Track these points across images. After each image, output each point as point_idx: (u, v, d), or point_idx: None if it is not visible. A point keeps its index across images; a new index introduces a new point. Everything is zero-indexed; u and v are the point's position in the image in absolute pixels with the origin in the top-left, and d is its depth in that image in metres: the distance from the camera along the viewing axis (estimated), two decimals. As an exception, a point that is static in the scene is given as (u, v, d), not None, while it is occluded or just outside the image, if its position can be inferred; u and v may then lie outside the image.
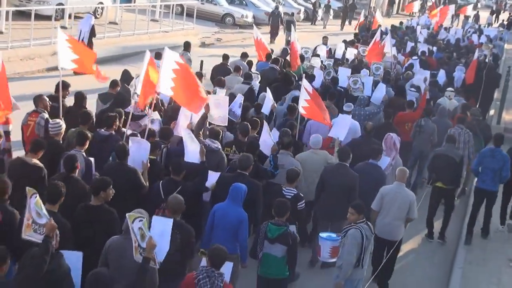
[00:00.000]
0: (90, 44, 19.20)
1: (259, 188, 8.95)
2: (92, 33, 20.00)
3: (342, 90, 15.31)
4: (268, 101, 12.31)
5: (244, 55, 17.52)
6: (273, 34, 31.06)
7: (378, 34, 19.57)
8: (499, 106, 20.19)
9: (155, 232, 6.45)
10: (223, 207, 8.17)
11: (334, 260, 8.16)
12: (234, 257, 7.81)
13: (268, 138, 10.27)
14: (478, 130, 13.73)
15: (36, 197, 6.36)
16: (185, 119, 10.52)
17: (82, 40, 18.98)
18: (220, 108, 10.72)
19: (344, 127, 11.48)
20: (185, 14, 29.15)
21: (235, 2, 36.49)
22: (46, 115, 10.09)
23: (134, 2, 28.96)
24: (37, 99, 10.28)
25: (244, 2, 36.68)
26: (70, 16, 23.40)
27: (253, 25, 19.44)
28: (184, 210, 7.37)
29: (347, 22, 41.54)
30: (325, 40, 22.68)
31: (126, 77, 12.90)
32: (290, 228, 8.00)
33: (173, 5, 28.66)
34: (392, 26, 31.38)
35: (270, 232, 7.85)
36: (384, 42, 19.44)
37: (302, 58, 18.11)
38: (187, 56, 15.92)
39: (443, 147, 12.04)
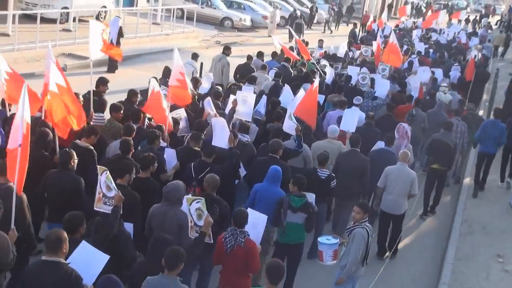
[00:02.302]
0: (118, 44, 19.83)
1: (288, 169, 9.74)
2: (120, 34, 20.59)
3: (352, 85, 16.47)
4: (288, 95, 13.37)
5: (260, 54, 18.55)
6: (292, 35, 31.23)
7: (392, 36, 20.42)
8: (488, 106, 20.94)
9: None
10: (263, 187, 8.93)
11: (335, 262, 8.26)
12: (270, 231, 8.83)
13: (290, 122, 11.10)
14: (473, 123, 14.74)
15: (106, 173, 7.19)
16: (212, 110, 11.48)
17: (111, 41, 19.13)
18: (246, 104, 11.59)
19: (353, 120, 12.36)
20: (185, 17, 29.33)
21: (233, 6, 36.86)
22: None
23: (136, 6, 29.03)
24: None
25: (242, 6, 37.02)
26: (74, 20, 23.51)
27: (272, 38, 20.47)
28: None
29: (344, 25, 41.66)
30: (320, 43, 23.54)
31: (167, 73, 13.21)
32: (308, 198, 8.73)
33: (174, 9, 28.94)
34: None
35: (294, 202, 8.58)
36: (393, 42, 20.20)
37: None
38: (194, 65, 16.49)
39: (440, 133, 13.07)
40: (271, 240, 9.07)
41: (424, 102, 15.82)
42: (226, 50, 17.75)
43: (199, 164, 9.04)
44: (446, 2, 69.26)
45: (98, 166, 7.45)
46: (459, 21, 45.78)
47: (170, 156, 9.33)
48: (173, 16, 28.57)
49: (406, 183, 10.45)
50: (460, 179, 15.44)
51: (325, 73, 17.04)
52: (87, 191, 8.00)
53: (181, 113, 11.32)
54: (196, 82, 13.99)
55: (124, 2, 28.48)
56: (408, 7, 50.26)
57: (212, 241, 7.39)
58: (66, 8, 24.27)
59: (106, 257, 6.23)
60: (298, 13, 35.78)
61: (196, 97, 12.86)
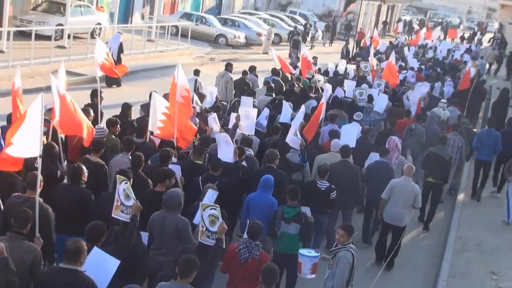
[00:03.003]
0: (118, 60, 20.41)
1: (285, 177, 10.22)
2: (120, 49, 20.92)
3: (349, 99, 17.01)
4: (287, 110, 13.76)
5: (253, 69, 18.84)
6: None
7: (392, 56, 21.17)
8: (481, 124, 21.35)
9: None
10: (256, 195, 9.33)
11: (313, 276, 8.15)
12: (267, 237, 9.04)
13: (295, 137, 11.44)
14: (466, 137, 15.20)
15: (126, 183, 7.47)
16: (216, 125, 11.86)
17: (112, 56, 19.41)
18: (249, 118, 11.89)
19: (353, 135, 12.72)
20: (180, 34, 29.39)
21: (228, 23, 37.01)
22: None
23: (131, 23, 29.12)
24: (84, 111, 10.54)
25: (236, 23, 37.18)
26: (69, 36, 23.53)
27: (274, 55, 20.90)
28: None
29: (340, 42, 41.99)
30: (315, 59, 23.63)
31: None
32: (303, 209, 9.01)
33: (168, 26, 29.01)
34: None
35: (287, 214, 8.91)
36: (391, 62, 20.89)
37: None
38: (198, 81, 16.67)
39: (435, 147, 13.44)
40: (269, 249, 9.15)
41: (423, 118, 16.20)
42: (229, 66, 18.04)
43: (207, 177, 9.34)
44: (440, 20, 69.82)
45: (117, 176, 7.75)
46: (452, 39, 46.18)
47: (176, 171, 9.43)
48: (167, 33, 28.65)
49: (410, 196, 10.83)
50: (454, 193, 15.64)
51: (322, 89, 17.28)
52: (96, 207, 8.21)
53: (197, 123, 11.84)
54: (201, 97, 14.33)
55: (119, 19, 28.60)
56: (401, 24, 50.77)
57: (224, 247, 7.62)
58: (60, 25, 24.39)
59: (117, 262, 6.38)
60: (297, 29, 36.33)
61: (204, 111, 13.28)
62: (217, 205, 7.66)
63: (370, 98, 16.66)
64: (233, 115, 12.27)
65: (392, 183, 10.93)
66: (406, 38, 42.01)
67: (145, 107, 12.43)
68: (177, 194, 7.95)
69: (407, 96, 18.06)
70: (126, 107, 12.01)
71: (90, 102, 12.14)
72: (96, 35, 26.54)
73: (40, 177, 7.30)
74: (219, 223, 7.49)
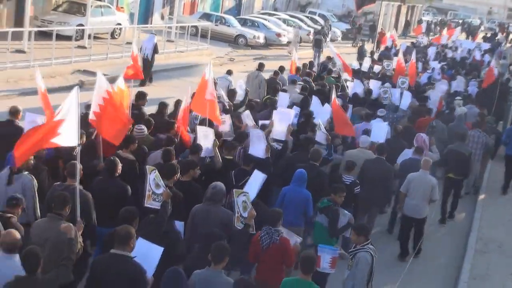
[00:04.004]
0: (152, 60, 21.35)
1: (326, 176, 10.67)
2: (155, 50, 21.47)
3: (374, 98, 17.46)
4: (317, 105, 14.31)
5: (282, 69, 19.32)
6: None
7: (414, 55, 22.10)
8: (502, 124, 21.36)
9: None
10: (291, 189, 9.64)
11: (333, 271, 8.24)
12: (301, 229, 9.50)
13: (321, 132, 11.92)
14: (489, 134, 15.71)
15: (155, 172, 7.97)
16: (250, 122, 12.29)
17: (147, 56, 20.90)
18: (282, 123, 11.94)
19: (382, 132, 13.12)
20: (199, 35, 29.40)
21: (247, 23, 36.95)
22: None
23: (151, 24, 29.13)
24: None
25: (256, 23, 37.09)
26: (89, 37, 23.58)
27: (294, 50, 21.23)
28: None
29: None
30: (328, 60, 23.96)
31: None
32: (343, 212, 9.42)
33: (188, 26, 29.02)
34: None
35: (321, 203, 9.40)
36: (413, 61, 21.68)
37: (330, 71, 20.48)
38: (229, 79, 17.23)
39: (454, 144, 13.76)
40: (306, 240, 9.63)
41: (444, 116, 16.66)
42: (261, 67, 18.58)
43: (239, 172, 9.69)
44: (461, 20, 69.26)
45: (147, 166, 8.21)
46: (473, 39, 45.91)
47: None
48: (187, 34, 28.68)
49: (427, 189, 11.17)
50: (477, 189, 15.79)
51: (346, 87, 17.86)
52: (129, 198, 8.53)
53: (227, 118, 12.18)
54: (233, 94, 14.78)
55: (139, 19, 28.58)
56: (423, 25, 50.50)
57: (254, 232, 8.07)
58: (81, 25, 24.51)
59: (161, 249, 6.76)
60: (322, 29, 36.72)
61: (232, 108, 13.69)
62: (247, 192, 8.21)
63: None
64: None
65: (410, 177, 11.29)
66: (428, 39, 41.63)
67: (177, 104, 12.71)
68: (220, 189, 8.31)
69: (429, 95, 18.31)
70: (162, 106, 12.29)
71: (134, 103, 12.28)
72: (116, 35, 26.62)
73: (79, 166, 7.58)
74: (249, 209, 8.05)
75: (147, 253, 6.72)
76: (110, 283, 6.44)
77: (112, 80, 11.70)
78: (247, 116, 12.45)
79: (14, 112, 10.34)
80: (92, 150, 9.32)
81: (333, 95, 13.68)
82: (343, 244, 10.23)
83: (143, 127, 10.76)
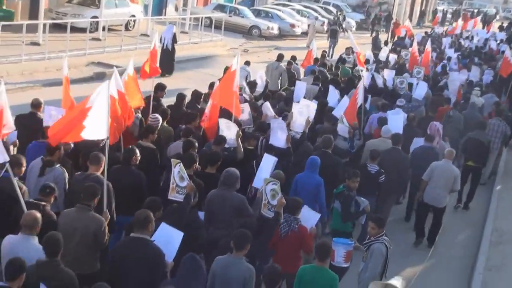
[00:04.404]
0: (173, 50, 21.68)
1: (340, 162, 10.88)
2: (174, 40, 21.79)
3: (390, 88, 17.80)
4: (334, 95, 14.71)
5: (294, 59, 19.53)
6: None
7: (428, 44, 22.49)
8: None
9: None
10: (304, 175, 9.86)
11: (347, 265, 8.18)
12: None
13: (343, 125, 12.18)
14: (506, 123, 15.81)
15: (180, 165, 8.14)
16: (270, 112, 12.53)
17: (166, 46, 21.22)
18: (302, 115, 12.02)
19: (400, 122, 13.26)
20: (213, 26, 29.33)
21: (261, 14, 36.81)
22: (140, 115, 11.10)
23: (165, 15, 29.09)
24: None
25: (270, 14, 36.95)
26: (103, 29, 23.62)
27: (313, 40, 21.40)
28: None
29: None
30: (347, 50, 23.79)
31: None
32: (361, 200, 9.55)
33: (202, 17, 28.99)
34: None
35: (336, 189, 9.67)
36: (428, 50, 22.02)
37: (344, 61, 20.87)
38: (247, 69, 17.41)
39: (474, 132, 13.96)
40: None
41: (461, 105, 16.79)
42: (280, 58, 18.76)
43: (260, 161, 9.76)
44: (477, 9, 68.58)
45: (172, 159, 8.38)
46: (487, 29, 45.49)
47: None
48: (201, 25, 28.62)
49: (450, 179, 11.39)
50: (494, 178, 15.90)
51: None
52: (150, 188, 8.73)
53: (245, 107, 12.35)
54: (253, 85, 14.98)
55: (153, 11, 28.60)
56: (439, 15, 50.18)
57: (283, 220, 8.26)
58: (95, 17, 24.56)
59: (181, 234, 6.98)
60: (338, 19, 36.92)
61: (253, 99, 13.92)
62: (277, 180, 8.35)
63: (411, 87, 17.32)
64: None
65: (433, 166, 11.47)
66: (443, 29, 41.29)
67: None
68: (233, 173, 8.48)
69: (446, 85, 18.53)
70: (181, 97, 12.46)
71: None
72: (130, 27, 26.62)
73: (106, 156, 7.82)
74: (279, 197, 8.23)
75: (168, 238, 6.93)
76: (130, 266, 6.64)
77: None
78: (266, 107, 12.69)
79: (36, 104, 10.53)
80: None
81: (361, 83, 13.89)
82: (362, 233, 10.36)
83: (158, 116, 10.84)
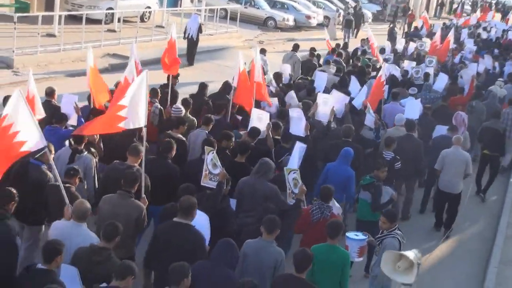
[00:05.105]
0: (197, 40, 22.27)
1: (361, 151, 11.12)
2: (200, 30, 22.35)
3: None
4: (356, 85, 15.01)
5: (314, 50, 19.69)
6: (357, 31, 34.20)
7: (452, 33, 23.10)
8: None
9: None
10: (335, 166, 10.08)
11: (360, 259, 8.22)
12: (341, 204, 9.68)
13: (369, 116, 12.47)
14: None
15: (213, 153, 8.46)
16: (294, 101, 12.91)
17: (191, 36, 21.81)
18: (327, 105, 12.33)
19: (416, 109, 13.51)
20: (228, 17, 29.35)
21: (277, 6, 36.66)
22: (158, 105, 11.34)
23: (180, 6, 29.02)
24: (152, 91, 11.46)
25: (285, 6, 36.83)
26: (119, 20, 23.63)
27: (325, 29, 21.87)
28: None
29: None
30: (363, 42, 24.10)
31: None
32: (385, 188, 9.80)
33: (217, 9, 28.97)
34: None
35: (363, 181, 9.89)
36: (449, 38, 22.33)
37: (364, 52, 21.18)
38: (263, 59, 17.62)
39: (489, 121, 14.30)
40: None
41: (483, 96, 16.85)
42: (296, 48, 19.18)
43: (279, 149, 10.25)
44: (496, 0, 67.84)
45: (205, 147, 8.67)
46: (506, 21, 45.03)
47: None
48: (216, 16, 28.61)
49: (461, 164, 11.57)
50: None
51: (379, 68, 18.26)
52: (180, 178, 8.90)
53: (274, 101, 12.78)
54: (279, 77, 15.34)
55: (168, 2, 28.56)
56: (459, 8, 49.84)
57: (305, 206, 8.63)
58: (111, 9, 24.60)
59: (206, 216, 7.36)
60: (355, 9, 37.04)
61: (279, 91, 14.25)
62: (297, 169, 8.66)
63: (427, 76, 17.41)
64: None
65: (443, 154, 11.70)
66: (462, 20, 40.94)
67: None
68: (266, 163, 8.69)
69: (461, 75, 18.69)
70: (203, 87, 12.78)
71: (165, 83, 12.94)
72: (145, 18, 26.56)
73: (144, 145, 8.24)
74: (300, 185, 8.57)
75: (199, 222, 7.20)
76: (173, 249, 6.91)
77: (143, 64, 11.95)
78: (290, 96, 12.96)
79: (49, 92, 10.99)
80: (132, 132, 9.59)
81: (381, 73, 14.05)
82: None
83: (180, 106, 11.20)
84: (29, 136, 6.91)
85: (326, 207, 8.39)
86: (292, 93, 13.10)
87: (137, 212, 7.52)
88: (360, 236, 8.06)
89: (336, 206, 8.84)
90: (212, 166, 8.38)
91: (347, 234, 8.09)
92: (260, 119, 10.90)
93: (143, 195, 7.89)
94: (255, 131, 10.34)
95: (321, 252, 7.35)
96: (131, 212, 7.47)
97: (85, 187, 8.55)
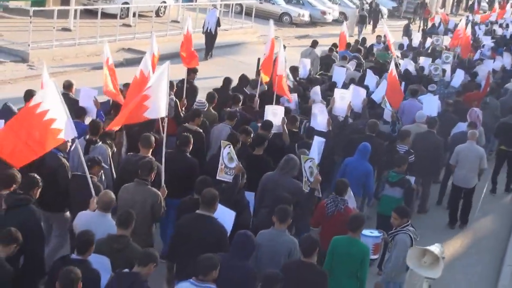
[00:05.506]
0: (215, 33, 22.73)
1: (382, 145, 11.33)
2: (218, 23, 22.68)
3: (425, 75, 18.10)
4: (372, 79, 15.18)
5: (336, 46, 20.06)
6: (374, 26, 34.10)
7: (469, 29, 22.61)
8: None
9: None
10: (353, 161, 10.17)
11: (376, 257, 8.30)
12: (358, 199, 9.94)
13: (388, 110, 12.78)
14: None
15: (230, 147, 8.53)
16: (318, 97, 12.94)
17: (210, 30, 22.10)
18: (344, 100, 12.42)
19: (434, 105, 13.52)
20: (244, 13, 29.27)
21: (292, 1, 36.55)
22: (174, 97, 11.32)
23: (196, 1, 28.96)
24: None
25: (301, 1, 36.75)
26: (134, 15, 23.64)
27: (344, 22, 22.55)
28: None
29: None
30: (378, 38, 24.02)
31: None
32: (407, 177, 10.11)
33: (232, 4, 28.89)
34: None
35: (391, 178, 10.05)
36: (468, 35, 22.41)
37: (385, 48, 21.28)
38: (314, 53, 18.35)
39: (507, 117, 14.26)
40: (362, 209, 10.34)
41: (499, 93, 17.04)
42: (314, 44, 19.20)
43: (302, 144, 10.20)
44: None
45: (221, 141, 8.86)
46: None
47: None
48: (231, 12, 28.54)
49: (476, 159, 11.70)
50: None
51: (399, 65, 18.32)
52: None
53: (294, 96, 12.92)
54: (295, 70, 15.32)
55: (184, -3, 28.44)
56: (475, 5, 49.38)
57: (320, 195, 8.87)
58: (126, 3, 24.62)
59: (233, 213, 7.52)
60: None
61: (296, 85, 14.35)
62: (313, 158, 8.73)
63: (443, 72, 17.57)
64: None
65: (458, 149, 11.84)
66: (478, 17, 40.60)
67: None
68: (291, 160, 8.81)
69: (477, 71, 18.61)
70: (227, 81, 12.96)
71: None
72: (161, 13, 26.53)
73: (164, 134, 8.38)
74: (315, 174, 8.59)
75: (222, 216, 7.29)
76: (195, 242, 6.99)
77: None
78: (315, 92, 13.11)
79: (67, 85, 11.08)
80: (151, 125, 9.72)
81: (392, 67, 14.06)
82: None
83: (204, 100, 11.37)
84: (64, 125, 7.15)
85: (340, 200, 8.45)
86: (316, 89, 13.24)
87: (153, 199, 7.69)
88: (375, 233, 8.10)
89: (352, 200, 8.90)
90: (228, 160, 8.49)
91: (363, 232, 8.06)
92: (275, 114, 10.99)
93: (163, 184, 8.05)
94: (267, 123, 10.43)
95: (341, 244, 7.50)
96: (147, 198, 7.65)
97: (103, 178, 8.65)
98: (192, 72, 13.00)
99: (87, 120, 10.15)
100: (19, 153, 6.89)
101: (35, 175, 7.25)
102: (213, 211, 7.15)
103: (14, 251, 6.31)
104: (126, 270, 6.18)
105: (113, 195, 7.30)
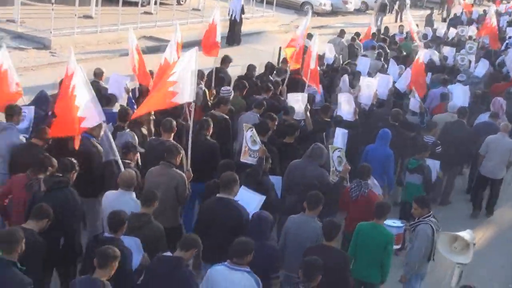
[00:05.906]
0: (240, 21, 23.07)
1: (404, 135, 11.43)
2: (242, 10, 23.06)
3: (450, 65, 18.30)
4: (394, 68, 15.34)
5: (358, 35, 20.22)
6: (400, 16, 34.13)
7: (494, 19, 22.32)
8: None
9: None
10: (374, 147, 10.39)
11: (398, 247, 8.42)
12: (380, 189, 9.79)
13: (415, 101, 12.91)
14: None
15: (252, 130, 8.72)
16: (346, 86, 13.21)
17: (235, 17, 22.35)
18: (369, 88, 12.70)
19: (465, 96, 13.62)
20: (265, 1, 29.18)
21: (313, -10, 35.84)
22: (203, 86, 11.51)
23: (217, -10, 28.84)
24: (198, 73, 11.58)
25: (322, -10, 35.96)
26: (155, 3, 23.60)
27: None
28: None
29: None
30: (400, 28, 24.13)
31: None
32: (431, 164, 10.21)
33: (254, -7, 28.46)
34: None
35: (410, 165, 10.25)
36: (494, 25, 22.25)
37: (409, 38, 21.57)
38: (342, 43, 18.61)
39: None
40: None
41: None
42: (342, 33, 19.42)
43: (329, 133, 10.47)
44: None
45: (244, 124, 9.05)
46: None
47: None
48: (253, 0, 28.36)
49: (506, 151, 11.71)
50: None
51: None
52: (223, 156, 9.19)
53: (319, 88, 13.07)
54: (320, 59, 15.25)
55: (204, -15, 28.36)
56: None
57: (348, 184, 8.85)
58: (147, -10, 24.48)
59: (263, 197, 7.56)
60: None
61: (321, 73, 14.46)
62: (342, 148, 8.97)
63: (469, 63, 17.66)
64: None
65: (488, 140, 11.79)
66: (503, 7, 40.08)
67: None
68: (318, 148, 8.89)
69: (505, 61, 18.71)
70: (252, 68, 13.01)
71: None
72: (182, 1, 26.49)
73: (191, 120, 8.38)
74: (344, 163, 8.83)
75: (247, 200, 7.40)
76: (216, 223, 7.20)
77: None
78: (343, 81, 13.26)
79: (98, 73, 11.28)
80: (176, 111, 9.75)
81: (417, 56, 14.18)
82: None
83: (229, 87, 11.54)
84: (88, 113, 7.43)
85: (364, 184, 8.57)
86: (345, 77, 13.30)
87: (177, 180, 7.84)
88: (398, 223, 8.17)
89: (376, 186, 9.04)
90: (251, 142, 8.64)
91: (385, 222, 8.06)
92: (296, 101, 11.16)
93: (188, 168, 8.22)
94: (290, 108, 10.71)
95: (366, 230, 7.66)
96: (171, 180, 7.81)
97: (139, 163, 8.81)
98: (226, 61, 13.17)
99: (117, 107, 10.22)
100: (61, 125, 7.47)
101: (72, 159, 7.41)
102: (233, 194, 7.28)
103: (46, 226, 6.51)
104: (169, 253, 6.27)
105: (133, 173, 7.47)
